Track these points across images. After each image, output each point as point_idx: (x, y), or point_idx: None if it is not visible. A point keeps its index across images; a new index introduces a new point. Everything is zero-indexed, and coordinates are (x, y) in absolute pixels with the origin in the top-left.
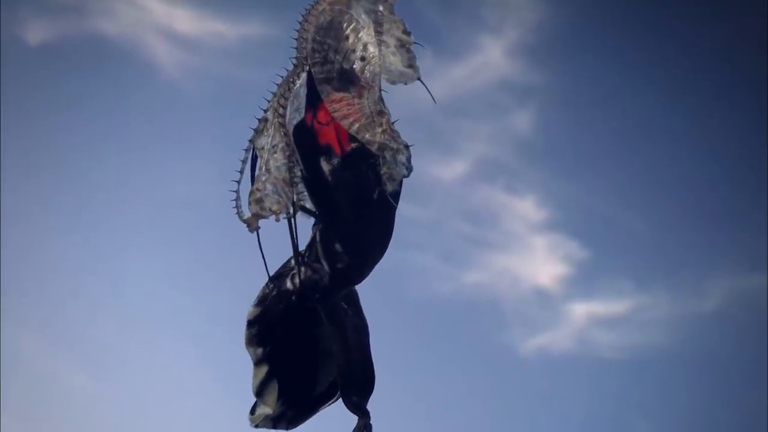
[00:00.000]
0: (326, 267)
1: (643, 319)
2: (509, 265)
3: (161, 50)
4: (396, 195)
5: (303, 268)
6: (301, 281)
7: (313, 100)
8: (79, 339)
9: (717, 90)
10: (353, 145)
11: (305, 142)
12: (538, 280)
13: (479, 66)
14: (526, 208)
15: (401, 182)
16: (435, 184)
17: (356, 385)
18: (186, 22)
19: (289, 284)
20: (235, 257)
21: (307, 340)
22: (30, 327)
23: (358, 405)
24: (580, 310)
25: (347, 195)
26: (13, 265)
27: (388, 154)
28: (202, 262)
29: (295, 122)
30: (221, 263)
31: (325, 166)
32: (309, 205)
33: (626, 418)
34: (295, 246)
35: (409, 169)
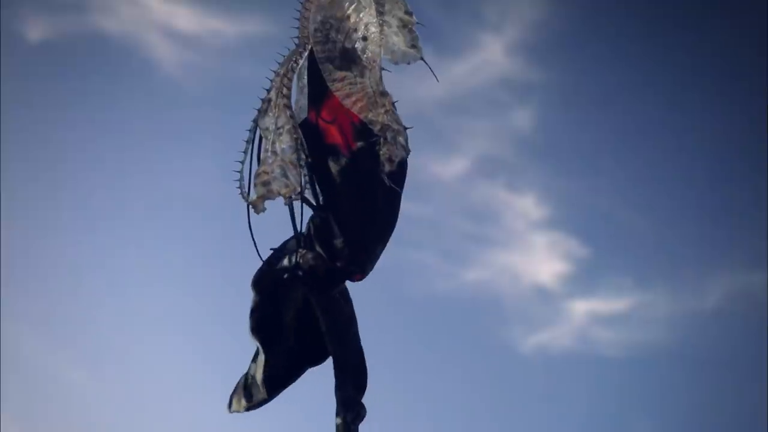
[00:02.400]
0: (327, 259)
1: (644, 317)
2: (509, 263)
3: (161, 47)
4: (401, 180)
5: (303, 251)
6: (298, 264)
7: (317, 96)
8: (79, 336)
9: (717, 88)
10: (359, 143)
11: (311, 142)
12: (538, 278)
13: (480, 63)
14: (527, 205)
15: (405, 166)
16: (435, 181)
17: (352, 378)
18: (186, 19)
19: (285, 262)
20: (235, 254)
21: (285, 326)
22: (29, 324)
23: (354, 399)
24: (581, 307)
25: (354, 190)
26: (12, 262)
27: (389, 135)
28: (201, 259)
29: (300, 103)
30: (221, 260)
31: (333, 167)
32: (309, 196)
33: (626, 416)
34: (295, 228)
35: (408, 151)
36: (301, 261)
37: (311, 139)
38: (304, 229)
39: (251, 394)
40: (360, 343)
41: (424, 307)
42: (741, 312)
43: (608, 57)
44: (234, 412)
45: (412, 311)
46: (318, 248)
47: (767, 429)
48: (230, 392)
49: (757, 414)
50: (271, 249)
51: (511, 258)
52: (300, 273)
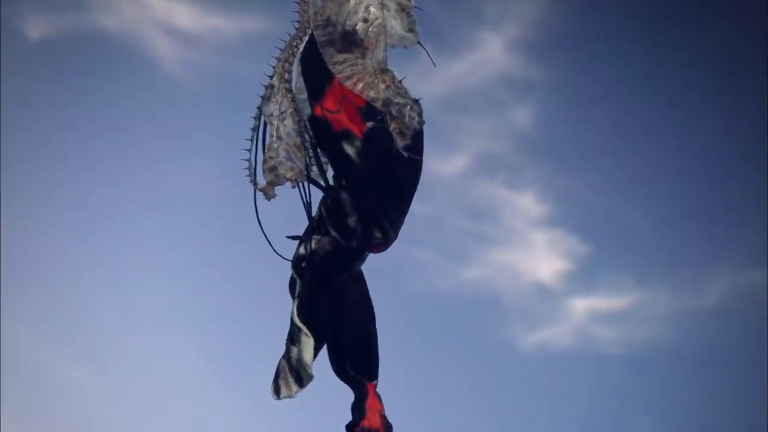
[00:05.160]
0: (340, 239)
1: (644, 315)
2: (509, 261)
3: (161, 45)
4: (419, 149)
5: (317, 237)
6: (315, 250)
7: (317, 90)
8: (79, 335)
9: (717, 86)
10: (369, 123)
11: (322, 134)
12: (538, 276)
13: (479, 61)
14: (526, 203)
15: (421, 136)
16: (435, 179)
17: (350, 357)
18: (186, 17)
19: (302, 250)
20: (236, 252)
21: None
22: (29, 323)
23: (352, 378)
24: (581, 305)
25: (374, 168)
26: (12, 261)
27: (393, 109)
28: (202, 257)
29: (299, 85)
30: (221, 258)
31: (350, 150)
32: (318, 178)
33: (626, 413)
34: (309, 212)
35: (421, 122)
36: (317, 247)
37: (322, 131)
38: (315, 213)
39: (300, 377)
40: (368, 327)
41: (424, 305)
42: (741, 310)
43: (608, 55)
44: (285, 397)
45: (412, 309)
46: (332, 231)
47: (767, 427)
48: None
49: (757, 411)
50: (287, 237)
51: (511, 256)
52: (317, 259)
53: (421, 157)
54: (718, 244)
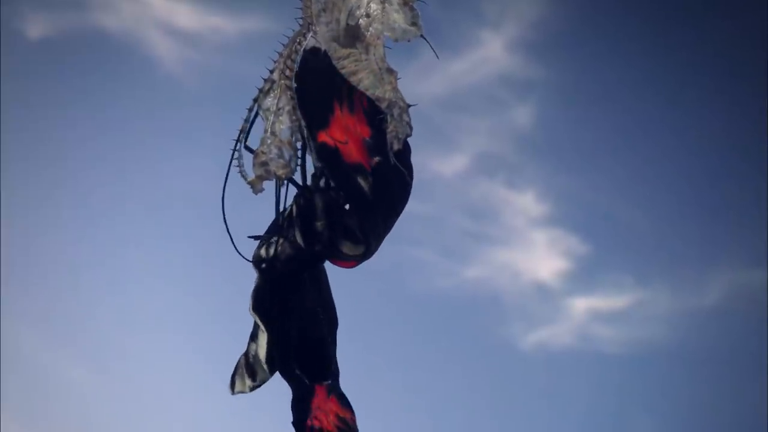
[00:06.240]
0: (302, 239)
1: (644, 314)
2: (509, 260)
3: (161, 45)
4: (407, 160)
5: (280, 240)
6: (276, 254)
7: (322, 119)
8: (79, 334)
9: (717, 85)
10: (375, 159)
11: (334, 163)
12: (538, 275)
13: (479, 61)
14: (527, 202)
15: (408, 148)
16: (435, 179)
17: (298, 356)
18: (186, 16)
19: (263, 253)
20: (235, 252)
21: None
22: (29, 322)
23: (295, 377)
24: (581, 305)
25: (381, 201)
26: (12, 261)
27: (396, 112)
28: (202, 257)
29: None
30: (221, 259)
31: (364, 184)
32: (297, 179)
33: (627, 414)
34: (278, 211)
35: (412, 128)
36: (279, 250)
37: (333, 161)
38: (288, 209)
39: (255, 373)
40: (322, 327)
41: (424, 305)
42: (741, 310)
43: (608, 54)
44: (238, 393)
45: (412, 308)
46: (297, 230)
47: (767, 427)
48: (231, 374)
49: (758, 412)
50: (249, 237)
51: (511, 255)
52: (278, 264)
53: (411, 173)
54: (718, 244)
